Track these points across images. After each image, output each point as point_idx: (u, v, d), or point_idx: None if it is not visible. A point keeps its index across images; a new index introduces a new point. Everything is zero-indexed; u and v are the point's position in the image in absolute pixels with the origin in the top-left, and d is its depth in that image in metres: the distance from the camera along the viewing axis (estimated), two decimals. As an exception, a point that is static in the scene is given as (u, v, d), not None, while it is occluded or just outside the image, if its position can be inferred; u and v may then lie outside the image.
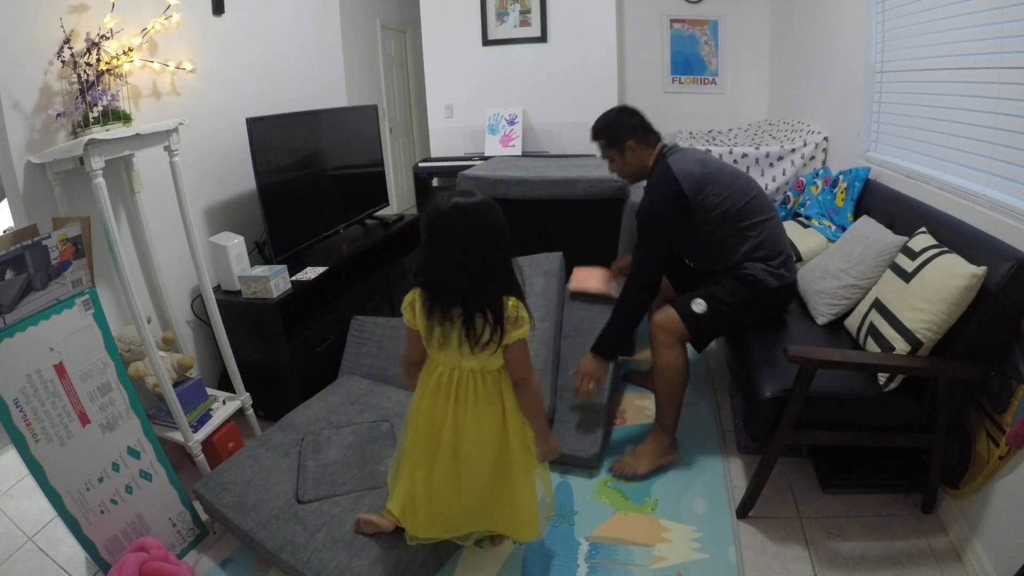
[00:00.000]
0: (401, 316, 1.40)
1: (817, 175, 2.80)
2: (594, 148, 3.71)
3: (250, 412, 2.16)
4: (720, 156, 3.22)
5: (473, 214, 1.26)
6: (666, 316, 1.87)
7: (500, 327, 1.28)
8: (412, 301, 1.35)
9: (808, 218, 2.60)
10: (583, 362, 1.95)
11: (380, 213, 3.18)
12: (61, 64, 1.65)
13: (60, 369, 1.47)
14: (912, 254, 1.70)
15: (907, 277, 1.65)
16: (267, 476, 1.73)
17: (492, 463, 1.41)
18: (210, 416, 1.98)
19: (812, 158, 3.06)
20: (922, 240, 1.72)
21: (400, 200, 5.34)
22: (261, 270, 2.17)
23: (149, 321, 1.88)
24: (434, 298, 1.29)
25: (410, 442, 1.45)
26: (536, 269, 2.44)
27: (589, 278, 2.37)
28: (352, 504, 1.63)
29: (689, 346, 1.91)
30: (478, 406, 1.36)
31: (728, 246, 1.88)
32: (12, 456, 1.74)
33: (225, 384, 2.20)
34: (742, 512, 1.74)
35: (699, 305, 1.84)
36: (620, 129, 1.95)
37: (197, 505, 1.76)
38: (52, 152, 1.61)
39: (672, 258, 2.06)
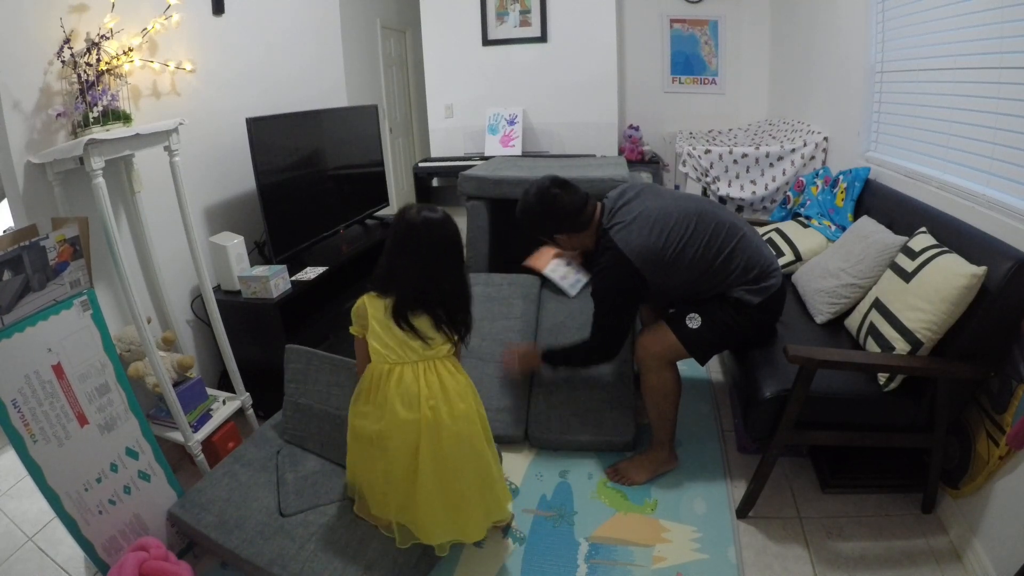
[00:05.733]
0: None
1: (817, 175, 2.79)
2: (594, 148, 3.75)
3: (250, 412, 2.16)
4: (720, 156, 3.22)
5: (445, 226, 1.42)
6: (655, 338, 1.79)
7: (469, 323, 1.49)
8: (361, 308, 1.45)
9: (808, 218, 2.59)
10: (530, 353, 1.95)
11: (380, 213, 3.18)
12: (61, 64, 1.65)
13: (58, 370, 1.47)
14: (912, 254, 1.70)
15: (907, 277, 1.65)
16: (246, 492, 1.68)
17: (476, 452, 1.46)
18: (210, 416, 1.98)
19: (812, 158, 3.06)
20: (922, 240, 1.72)
21: (400, 200, 5.34)
22: (261, 270, 2.17)
23: (149, 321, 1.88)
24: (407, 302, 1.40)
25: (383, 471, 1.45)
26: (516, 291, 2.46)
27: (539, 258, 2.40)
28: (338, 512, 1.60)
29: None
30: (450, 402, 1.41)
31: (709, 284, 1.75)
32: (11, 456, 1.74)
33: (225, 384, 2.20)
34: (742, 512, 1.74)
35: (694, 320, 1.75)
36: (544, 223, 1.80)
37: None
38: (52, 152, 1.61)
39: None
